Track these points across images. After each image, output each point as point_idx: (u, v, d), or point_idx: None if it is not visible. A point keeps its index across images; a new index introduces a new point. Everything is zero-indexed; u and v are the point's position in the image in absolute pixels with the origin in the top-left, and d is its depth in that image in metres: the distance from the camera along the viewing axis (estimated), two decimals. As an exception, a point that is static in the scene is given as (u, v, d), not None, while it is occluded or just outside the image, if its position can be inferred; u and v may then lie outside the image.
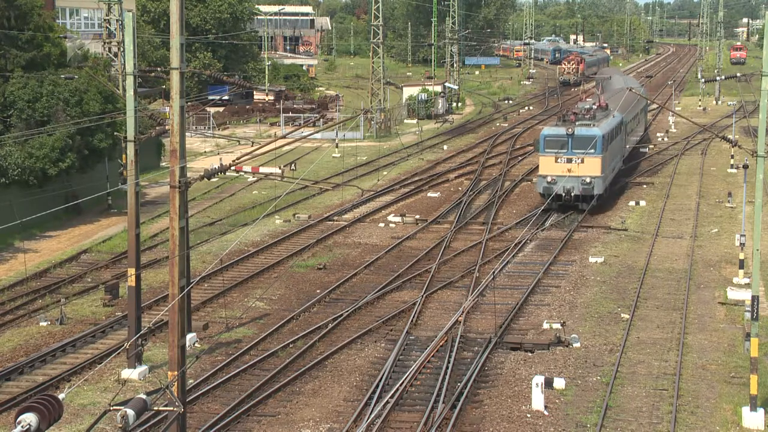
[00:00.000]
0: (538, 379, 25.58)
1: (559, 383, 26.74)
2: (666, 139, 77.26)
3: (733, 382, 27.43)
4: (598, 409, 25.37)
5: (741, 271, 37.35)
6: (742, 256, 37.55)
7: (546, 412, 25.20)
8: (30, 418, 13.17)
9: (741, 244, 37.90)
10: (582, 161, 47.36)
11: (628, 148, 61.59)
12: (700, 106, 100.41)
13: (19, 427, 13.03)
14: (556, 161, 47.68)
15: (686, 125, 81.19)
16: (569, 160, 47.51)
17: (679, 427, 24.39)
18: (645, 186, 57.64)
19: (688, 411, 25.44)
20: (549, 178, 47.82)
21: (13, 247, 42.48)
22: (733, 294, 35.35)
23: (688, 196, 54.80)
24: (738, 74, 68.90)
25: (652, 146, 72.75)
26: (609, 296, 35.68)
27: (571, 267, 39.47)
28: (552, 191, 47.04)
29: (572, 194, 47.62)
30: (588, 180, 47.43)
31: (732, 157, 64.42)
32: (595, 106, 54.01)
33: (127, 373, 27.65)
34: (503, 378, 27.59)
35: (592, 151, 47.15)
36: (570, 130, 47.49)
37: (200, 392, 26.38)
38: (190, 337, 30.28)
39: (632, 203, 52.53)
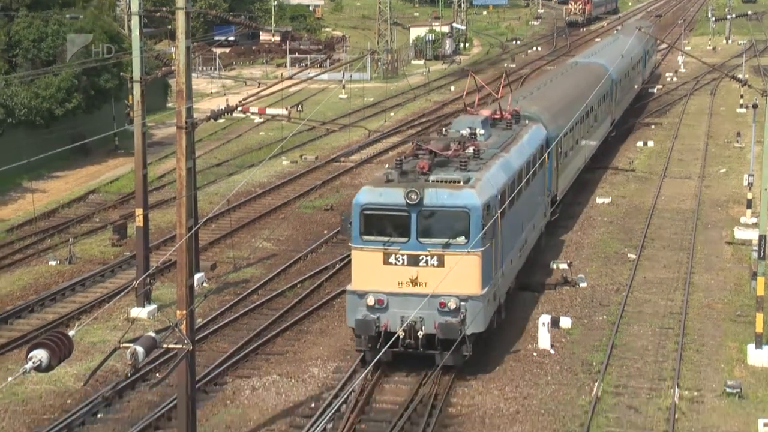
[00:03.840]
0: (545, 319, 25.74)
1: (565, 322, 26.86)
2: (675, 79, 76.71)
3: (739, 320, 27.57)
4: (603, 347, 25.55)
5: (749, 211, 37.34)
6: (749, 195, 37.51)
7: (552, 351, 25.38)
8: (41, 354, 13.34)
9: (749, 183, 37.83)
10: (440, 262, 23.02)
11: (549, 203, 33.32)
12: (710, 45, 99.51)
13: (30, 363, 13.19)
14: (385, 262, 23.20)
15: (696, 65, 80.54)
16: (413, 260, 23.08)
17: (684, 365, 24.56)
18: (653, 126, 57.36)
19: (693, 349, 25.60)
20: (370, 299, 23.23)
21: (21, 187, 42.62)
22: (740, 233, 35.37)
23: (697, 136, 54.55)
24: (749, 12, 68.04)
25: (661, 86, 72.28)
26: (616, 236, 35.72)
27: (578, 207, 39.45)
28: (374, 327, 23.06)
29: (418, 333, 22.86)
30: (453, 304, 22.81)
31: (741, 96, 63.99)
32: (480, 131, 28.21)
33: (136, 312, 27.89)
34: (510, 317, 27.75)
35: (462, 240, 23.05)
36: (414, 194, 22.86)
37: (209, 331, 26.62)
38: (198, 276, 30.42)
39: (640, 144, 52.30)
